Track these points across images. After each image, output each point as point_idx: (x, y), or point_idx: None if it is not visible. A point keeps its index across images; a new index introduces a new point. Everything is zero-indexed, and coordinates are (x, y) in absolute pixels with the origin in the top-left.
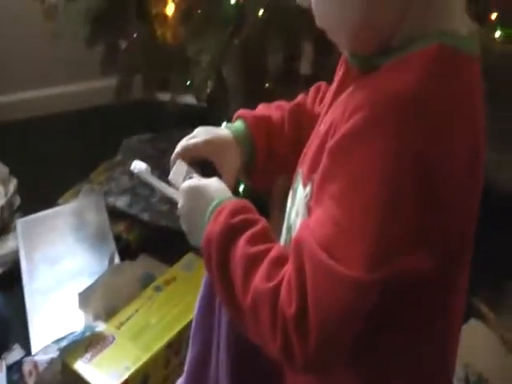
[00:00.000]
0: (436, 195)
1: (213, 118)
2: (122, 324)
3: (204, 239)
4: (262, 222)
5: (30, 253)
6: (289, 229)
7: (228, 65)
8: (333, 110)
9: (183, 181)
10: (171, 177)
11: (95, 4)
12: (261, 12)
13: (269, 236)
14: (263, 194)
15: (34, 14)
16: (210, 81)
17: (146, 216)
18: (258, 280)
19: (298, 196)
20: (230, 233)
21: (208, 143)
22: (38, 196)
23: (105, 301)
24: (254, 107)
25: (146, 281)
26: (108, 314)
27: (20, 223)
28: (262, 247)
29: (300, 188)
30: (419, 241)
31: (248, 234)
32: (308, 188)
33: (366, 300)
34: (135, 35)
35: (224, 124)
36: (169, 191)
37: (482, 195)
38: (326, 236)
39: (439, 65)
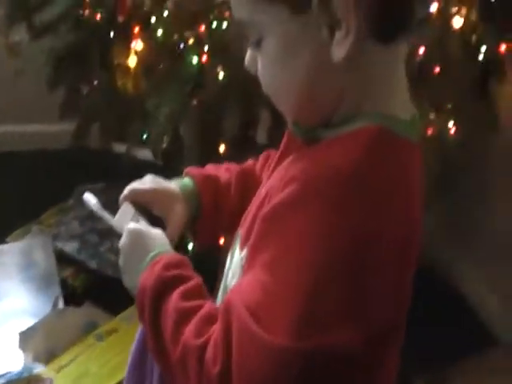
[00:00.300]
0: (366, 274)
1: (167, 175)
2: (61, 368)
3: (138, 289)
4: (196, 279)
5: None
6: (225, 290)
7: (185, 123)
8: (274, 175)
9: (130, 221)
10: (117, 218)
11: (59, 45)
12: (221, 75)
13: (202, 293)
14: (211, 254)
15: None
16: (167, 136)
17: (93, 264)
18: (188, 335)
19: (235, 258)
20: (163, 285)
21: (156, 192)
22: None
23: (45, 343)
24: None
25: (88, 328)
26: (47, 357)
27: None
28: (194, 303)
29: (237, 250)
30: (347, 316)
31: (181, 288)
32: (244, 251)
33: (290, 368)
34: (96, 82)
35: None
36: (116, 224)
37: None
38: (254, 302)
39: (379, 144)
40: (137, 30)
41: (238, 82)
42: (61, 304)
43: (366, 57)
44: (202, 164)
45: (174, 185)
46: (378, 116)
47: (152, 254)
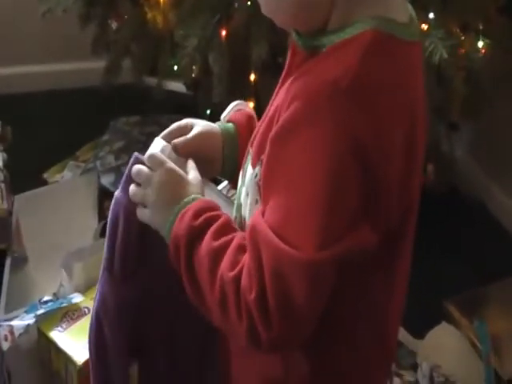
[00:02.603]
0: (374, 175)
1: (197, 105)
2: None
3: (171, 239)
4: (223, 217)
5: (21, 226)
6: (238, 208)
7: (214, 52)
8: (280, 94)
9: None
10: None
11: None
12: (248, 3)
13: (230, 228)
14: None
15: None
16: (196, 66)
17: None
18: (223, 271)
19: (248, 175)
20: (194, 233)
21: (199, 137)
22: (23, 169)
23: (84, 274)
24: (237, 96)
25: None
26: (85, 287)
27: (17, 199)
28: (223, 239)
29: (249, 168)
30: (362, 217)
31: (211, 230)
32: (257, 168)
33: (321, 279)
34: (126, 17)
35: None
36: None
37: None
38: (277, 222)
39: (374, 50)
40: None
41: None
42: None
43: None
44: (231, 92)
45: (216, 127)
46: (375, 20)
47: (185, 200)
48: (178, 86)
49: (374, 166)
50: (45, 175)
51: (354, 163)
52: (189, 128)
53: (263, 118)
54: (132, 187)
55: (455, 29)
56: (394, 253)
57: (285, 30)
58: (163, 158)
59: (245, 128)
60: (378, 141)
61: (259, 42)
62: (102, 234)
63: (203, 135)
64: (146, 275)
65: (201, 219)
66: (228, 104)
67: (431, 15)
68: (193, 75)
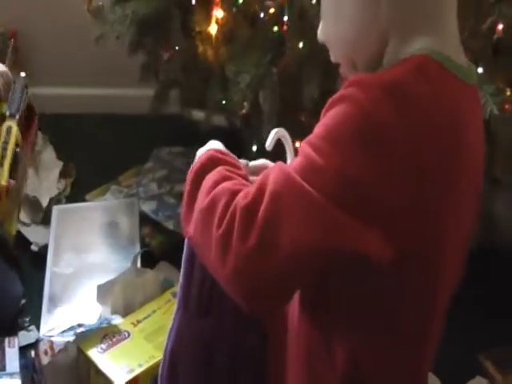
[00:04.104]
0: (397, 174)
1: (243, 141)
2: (138, 322)
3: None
4: (244, 170)
5: (60, 239)
6: None
7: (265, 90)
8: None
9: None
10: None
11: (141, 10)
12: (301, 44)
13: (246, 179)
14: None
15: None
16: (246, 102)
17: (170, 224)
18: (224, 184)
19: None
20: (213, 160)
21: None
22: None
23: (123, 298)
24: None
25: (165, 285)
26: (125, 311)
27: (56, 209)
28: (236, 176)
29: None
30: (376, 209)
31: (229, 167)
32: None
33: (315, 229)
34: (177, 48)
35: None
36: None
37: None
38: (297, 164)
39: (422, 69)
40: None
41: (317, 52)
42: (139, 262)
43: None
44: None
45: None
46: (430, 51)
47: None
48: (223, 120)
49: (397, 170)
50: (87, 197)
51: (376, 158)
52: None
53: None
54: None
55: (503, 84)
56: (421, 283)
57: (337, 72)
58: None
59: None
60: (408, 145)
61: (311, 83)
62: (142, 261)
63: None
64: (218, 311)
65: (224, 156)
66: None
67: (480, 70)
68: (243, 111)
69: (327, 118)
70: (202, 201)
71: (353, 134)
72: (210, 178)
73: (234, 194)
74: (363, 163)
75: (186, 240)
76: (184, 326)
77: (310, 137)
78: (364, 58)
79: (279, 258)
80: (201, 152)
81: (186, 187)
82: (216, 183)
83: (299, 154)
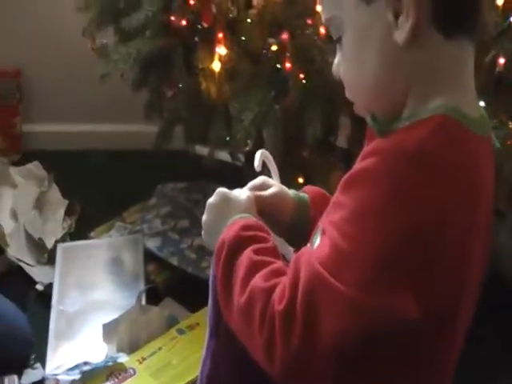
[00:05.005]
0: (430, 248)
1: (246, 176)
2: (144, 359)
3: (217, 243)
4: (271, 242)
5: (64, 277)
6: None
7: (268, 127)
8: None
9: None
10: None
11: (145, 48)
12: (304, 82)
13: (275, 254)
14: None
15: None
16: (250, 140)
17: (174, 260)
18: (257, 280)
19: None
20: (241, 241)
21: (275, 196)
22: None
23: (128, 335)
24: (289, 172)
25: (170, 322)
26: (130, 349)
27: (60, 247)
28: (266, 258)
29: (317, 242)
30: (410, 284)
31: (257, 246)
32: None
33: (352, 321)
34: (180, 85)
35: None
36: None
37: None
38: (325, 255)
39: (444, 130)
40: (221, 35)
41: (320, 89)
42: (143, 299)
43: (431, 49)
44: (284, 168)
45: (290, 192)
46: (448, 109)
47: (236, 217)
48: (226, 156)
49: (431, 237)
50: (91, 234)
51: (413, 227)
52: (265, 186)
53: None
54: None
55: (505, 118)
56: (442, 337)
57: (337, 109)
58: (223, 189)
59: (317, 203)
60: (435, 217)
61: (313, 121)
62: (146, 297)
63: (278, 196)
64: None
65: (250, 233)
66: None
67: (482, 103)
68: (247, 148)
69: (350, 198)
70: (238, 296)
71: (379, 212)
72: (240, 266)
73: (268, 294)
74: (392, 239)
75: (211, 268)
76: (218, 352)
77: (335, 217)
78: (382, 107)
79: (324, 354)
80: (217, 212)
81: (218, 272)
82: (248, 273)
83: (325, 236)
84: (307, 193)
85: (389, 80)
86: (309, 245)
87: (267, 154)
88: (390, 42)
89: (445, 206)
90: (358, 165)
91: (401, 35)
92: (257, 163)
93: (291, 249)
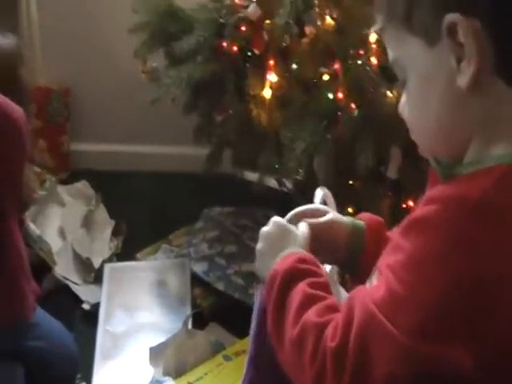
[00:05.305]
0: (488, 299)
1: (295, 203)
2: None
3: (270, 273)
4: (325, 278)
5: (111, 297)
6: None
7: (319, 157)
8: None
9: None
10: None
11: (196, 73)
12: (356, 111)
13: (328, 289)
14: None
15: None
16: (301, 169)
17: (220, 286)
18: (310, 314)
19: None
20: (295, 273)
21: (329, 224)
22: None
23: (175, 359)
24: (340, 201)
25: (217, 348)
26: (176, 373)
27: (108, 267)
28: (320, 293)
29: (375, 281)
30: (466, 335)
31: (311, 279)
32: None
33: (403, 366)
34: (231, 111)
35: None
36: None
37: None
38: (380, 297)
39: (509, 182)
40: (272, 62)
41: (372, 119)
42: (189, 323)
43: (494, 95)
44: (334, 197)
45: (345, 219)
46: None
47: (291, 249)
48: (274, 182)
49: (493, 289)
50: (138, 255)
51: (473, 278)
52: (321, 212)
53: (395, 231)
54: None
55: None
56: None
57: (388, 140)
58: (279, 219)
59: (373, 231)
60: (496, 268)
61: (365, 151)
62: (192, 321)
63: (334, 223)
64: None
65: (304, 266)
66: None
67: None
68: (298, 178)
69: (409, 243)
70: (290, 328)
71: (437, 260)
72: (294, 298)
73: (321, 329)
74: (450, 288)
75: (257, 297)
76: (256, 382)
77: (392, 260)
78: (445, 151)
79: None
80: (272, 242)
81: (270, 302)
82: (302, 306)
83: (382, 278)
84: (363, 220)
85: (452, 125)
86: (367, 284)
87: (327, 191)
88: (454, 86)
89: (505, 256)
90: (421, 210)
91: (463, 80)
92: (317, 201)
93: (341, 289)
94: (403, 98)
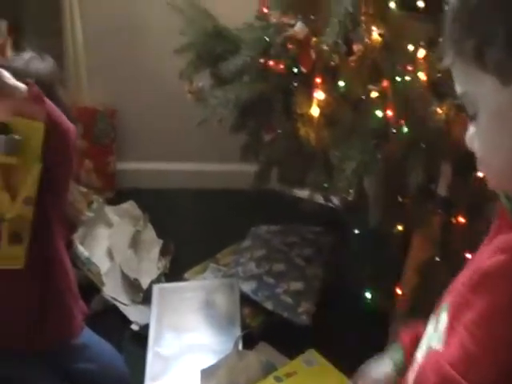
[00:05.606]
0: None
1: (344, 222)
2: None
3: None
4: None
5: (160, 318)
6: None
7: (370, 176)
8: (483, 254)
9: None
10: None
11: (243, 94)
12: (405, 129)
13: None
14: None
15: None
16: (352, 189)
17: (269, 305)
18: None
19: (441, 324)
20: None
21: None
22: None
23: (227, 381)
24: (387, 219)
25: (268, 369)
26: None
27: (156, 288)
28: None
29: (444, 317)
30: None
31: None
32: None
33: None
34: (279, 130)
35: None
36: None
37: None
38: (455, 356)
39: None
40: (319, 80)
41: (422, 136)
42: (240, 344)
43: None
44: (385, 216)
45: (388, 365)
46: None
47: None
48: (321, 198)
49: None
50: (186, 275)
51: None
52: None
53: (462, 272)
54: None
55: None
56: None
57: (438, 157)
58: None
59: (412, 353)
60: None
61: (415, 169)
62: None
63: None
64: None
65: None
66: (380, 225)
67: None
68: (349, 198)
69: (481, 299)
70: None
71: (505, 313)
72: None
73: None
74: None
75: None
76: None
77: (465, 318)
78: None
79: None
80: None
81: None
82: None
83: (455, 337)
84: (402, 342)
85: None
86: (433, 321)
87: None
88: None
89: None
90: (492, 260)
91: None
92: None
93: None
94: (471, 130)
